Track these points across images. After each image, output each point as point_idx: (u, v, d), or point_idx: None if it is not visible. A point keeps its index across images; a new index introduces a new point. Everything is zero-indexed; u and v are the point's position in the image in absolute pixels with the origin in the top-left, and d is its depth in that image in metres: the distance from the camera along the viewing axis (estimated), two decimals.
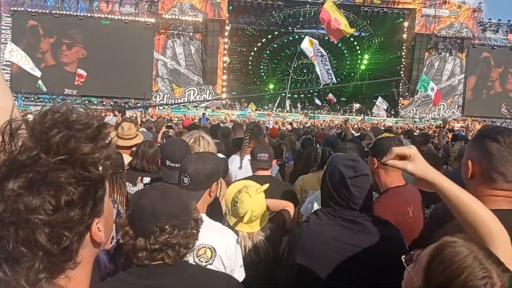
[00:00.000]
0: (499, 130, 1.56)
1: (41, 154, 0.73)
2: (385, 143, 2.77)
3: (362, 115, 32.74)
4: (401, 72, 36.53)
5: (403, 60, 36.82)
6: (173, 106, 33.62)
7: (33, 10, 32.52)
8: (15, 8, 32.46)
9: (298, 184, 4.07)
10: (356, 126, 19.71)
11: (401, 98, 36.72)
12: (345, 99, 40.25)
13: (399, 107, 37.01)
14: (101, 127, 0.82)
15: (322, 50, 16.56)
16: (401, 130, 16.47)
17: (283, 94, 31.05)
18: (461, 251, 0.99)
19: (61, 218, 0.73)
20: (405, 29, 36.12)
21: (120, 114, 12.63)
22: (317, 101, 34.78)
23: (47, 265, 0.73)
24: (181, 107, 33.85)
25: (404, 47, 36.67)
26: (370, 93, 38.03)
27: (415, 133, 10.93)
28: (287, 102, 35.44)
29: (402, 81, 36.02)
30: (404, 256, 1.15)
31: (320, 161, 4.15)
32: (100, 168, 0.80)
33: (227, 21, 34.64)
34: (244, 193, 2.33)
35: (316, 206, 3.09)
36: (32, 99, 31.59)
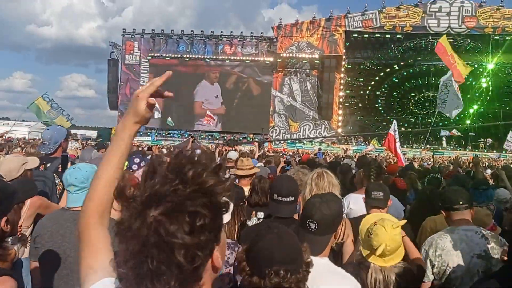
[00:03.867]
0: None
1: (179, 185, 0.87)
2: None
3: None
4: None
5: None
6: (288, 141, 34.32)
7: (167, 55, 36.42)
8: (152, 54, 36.69)
9: (428, 225, 3.77)
10: (487, 163, 17.98)
11: None
12: (474, 133, 36.94)
13: None
14: (221, 164, 0.97)
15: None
16: None
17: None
18: None
19: (195, 240, 0.85)
20: None
21: (235, 147, 13.25)
22: (443, 133, 32.41)
23: (180, 284, 0.85)
24: (296, 142, 34.39)
25: None
26: (504, 126, 34.50)
27: None
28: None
29: None
30: None
31: None
32: (224, 198, 0.93)
33: (344, 56, 34.78)
34: (380, 226, 2.31)
35: (431, 254, 2.89)
36: (163, 134, 34.98)
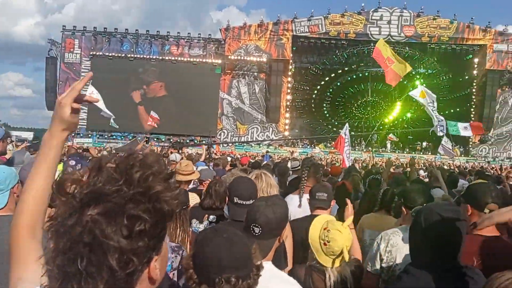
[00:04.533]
0: None
1: (123, 187, 0.84)
2: (479, 190, 2.66)
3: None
4: (472, 110, 34.92)
5: (473, 97, 35.20)
6: (236, 144, 34.37)
7: (110, 54, 35.26)
8: (94, 53, 35.39)
9: (364, 223, 3.98)
10: (424, 165, 18.93)
11: (472, 137, 34.87)
12: (411, 137, 38.94)
13: (470, 146, 35.14)
14: (173, 172, 0.94)
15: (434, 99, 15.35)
16: (471, 169, 15.57)
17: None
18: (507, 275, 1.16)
19: (131, 245, 0.81)
20: (475, 66, 34.74)
21: (181, 150, 13.09)
22: (375, 137, 34.13)
23: None
24: (244, 144, 34.51)
25: (474, 84, 35.13)
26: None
27: (487, 173, 10.32)
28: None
29: (473, 119, 34.35)
30: None
31: (380, 201, 4.04)
32: (169, 206, 0.90)
33: (291, 60, 35.34)
34: (334, 230, 2.32)
35: (382, 248, 2.98)
36: (105, 136, 33.80)
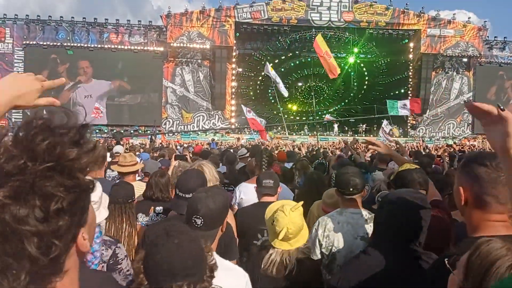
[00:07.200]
0: (484, 155, 1.62)
1: (27, 163, 0.72)
2: (408, 176, 2.77)
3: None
4: (409, 92, 36.57)
5: (410, 80, 36.91)
6: (182, 133, 33.91)
7: (45, 43, 33.36)
8: (27, 42, 33.34)
9: (315, 209, 3.91)
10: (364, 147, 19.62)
11: (410, 118, 36.62)
12: (353, 120, 40.25)
13: (409, 127, 36.90)
14: (83, 130, 0.81)
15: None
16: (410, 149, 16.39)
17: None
18: (495, 245, 1.13)
19: (50, 228, 0.72)
20: (411, 50, 36.37)
21: (121, 141, 12.77)
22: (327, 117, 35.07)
23: (34, 277, 0.72)
24: (190, 133, 34.13)
25: (410, 68, 36.82)
26: (379, 111, 38.02)
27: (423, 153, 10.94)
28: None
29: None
30: (447, 259, 1.29)
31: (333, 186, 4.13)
32: (86, 173, 0.79)
33: (234, 47, 35.18)
34: (280, 211, 2.39)
35: (320, 234, 3.05)
36: None
